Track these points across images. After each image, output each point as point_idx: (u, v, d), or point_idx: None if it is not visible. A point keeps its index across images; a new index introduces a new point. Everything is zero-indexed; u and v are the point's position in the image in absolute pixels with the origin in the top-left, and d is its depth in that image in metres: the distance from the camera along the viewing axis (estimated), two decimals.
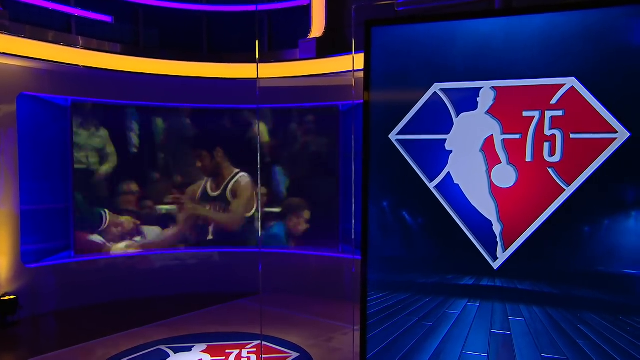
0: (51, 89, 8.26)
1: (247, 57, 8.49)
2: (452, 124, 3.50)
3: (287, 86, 8.77)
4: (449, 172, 3.52)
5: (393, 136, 3.64)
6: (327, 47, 8.28)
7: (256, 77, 7.51)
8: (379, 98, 3.71)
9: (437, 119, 3.52)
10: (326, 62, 8.07)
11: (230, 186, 9.71)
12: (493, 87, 3.38)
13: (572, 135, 3.21)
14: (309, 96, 8.97)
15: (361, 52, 3.77)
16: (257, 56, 7.26)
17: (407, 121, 3.61)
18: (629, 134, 3.08)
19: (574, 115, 3.19)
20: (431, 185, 3.56)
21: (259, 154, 9.40)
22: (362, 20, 3.77)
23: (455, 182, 3.51)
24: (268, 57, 9.07)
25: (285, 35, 9.17)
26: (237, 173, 9.74)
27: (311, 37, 8.51)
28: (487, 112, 3.41)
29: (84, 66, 7.90)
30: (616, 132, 3.10)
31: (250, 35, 9.08)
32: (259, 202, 9.62)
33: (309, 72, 8.28)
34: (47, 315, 8.11)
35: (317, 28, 8.41)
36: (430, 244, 3.60)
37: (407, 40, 3.59)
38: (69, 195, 8.73)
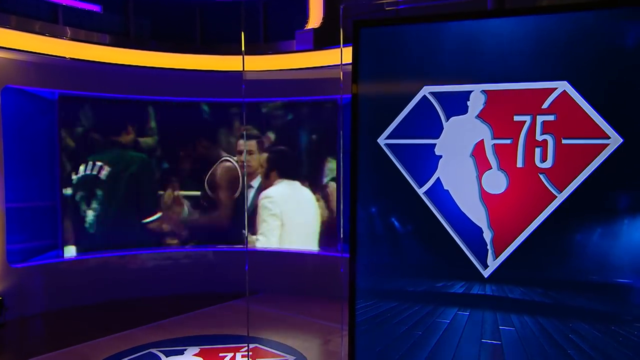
0: (37, 82, 8.34)
1: (241, 49, 8.53)
2: (442, 128, 3.56)
3: (283, 79, 8.82)
4: (438, 178, 3.58)
5: (382, 140, 3.71)
6: (326, 38, 8.30)
7: (242, 69, 7.56)
8: (367, 101, 3.77)
9: (427, 122, 3.58)
10: (323, 54, 8.11)
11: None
12: (484, 90, 3.44)
13: (564, 141, 3.27)
14: (306, 89, 9.02)
15: (349, 46, 3.81)
16: (243, 48, 7.31)
17: (396, 125, 3.67)
18: (621, 140, 3.13)
19: (566, 120, 3.25)
20: (420, 191, 3.63)
21: (245, 150, 9.47)
22: (350, 18, 3.82)
23: (445, 187, 3.57)
24: (264, 48, 9.11)
25: (281, 26, 9.20)
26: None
27: (308, 27, 8.54)
28: (478, 116, 3.47)
29: (71, 58, 7.97)
30: (609, 137, 3.16)
31: (245, 26, 9.12)
32: (246, 199, 9.67)
33: (307, 64, 8.33)
34: (35, 317, 8.24)
35: (315, 18, 8.44)
36: (420, 251, 3.67)
37: (397, 42, 3.65)
38: (57, 193, 8.82)
